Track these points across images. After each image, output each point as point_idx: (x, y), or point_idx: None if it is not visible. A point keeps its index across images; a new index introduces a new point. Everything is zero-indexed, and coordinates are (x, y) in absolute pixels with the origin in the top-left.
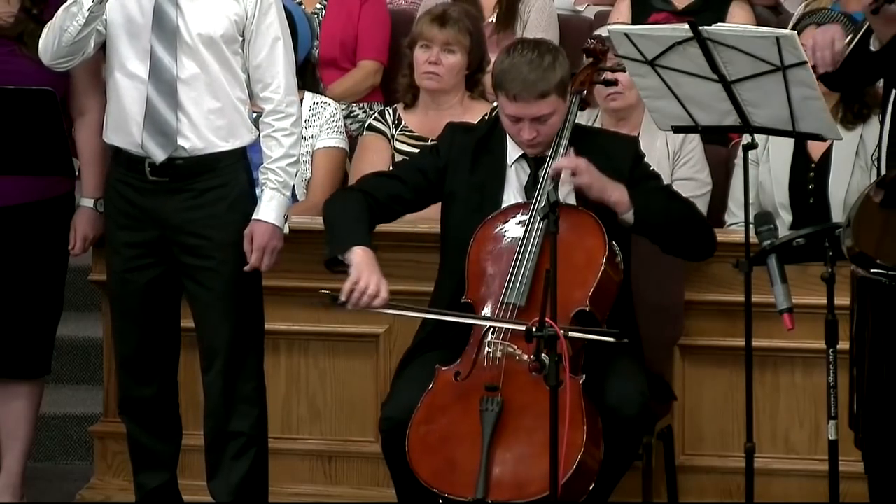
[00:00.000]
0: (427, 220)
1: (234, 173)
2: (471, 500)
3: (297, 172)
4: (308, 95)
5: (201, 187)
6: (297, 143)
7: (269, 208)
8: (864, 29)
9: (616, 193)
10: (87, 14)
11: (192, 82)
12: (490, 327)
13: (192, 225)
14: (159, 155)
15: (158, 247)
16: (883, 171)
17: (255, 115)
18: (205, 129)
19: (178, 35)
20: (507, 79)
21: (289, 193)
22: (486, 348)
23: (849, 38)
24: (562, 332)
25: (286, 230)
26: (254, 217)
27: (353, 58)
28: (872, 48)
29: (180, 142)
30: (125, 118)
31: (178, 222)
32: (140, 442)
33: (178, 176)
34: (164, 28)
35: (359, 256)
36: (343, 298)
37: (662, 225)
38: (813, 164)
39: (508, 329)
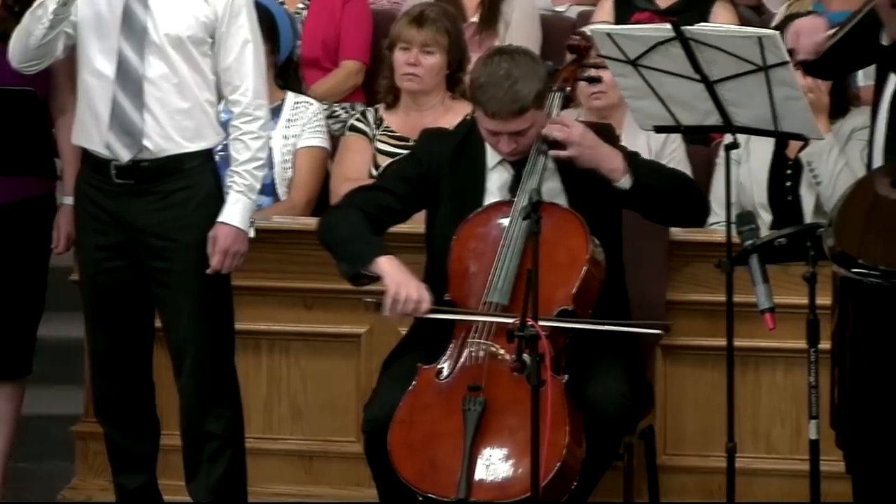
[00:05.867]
0: (411, 221)
1: (200, 175)
2: (453, 501)
3: (264, 175)
4: (290, 95)
5: (167, 189)
6: (265, 146)
7: (233, 211)
8: (856, 20)
9: (609, 162)
10: (51, 17)
11: (160, 82)
12: (472, 326)
13: (159, 227)
14: (124, 155)
15: (127, 250)
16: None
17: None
18: (171, 130)
19: (147, 35)
20: (484, 96)
21: (255, 197)
22: (469, 348)
23: (833, 30)
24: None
25: (251, 233)
26: (218, 220)
27: (335, 58)
28: (884, 42)
29: (145, 142)
30: (92, 118)
31: (144, 225)
32: (118, 443)
33: (143, 178)
34: (132, 28)
35: (387, 265)
36: (387, 312)
37: (657, 188)
38: (791, 162)
39: (491, 328)
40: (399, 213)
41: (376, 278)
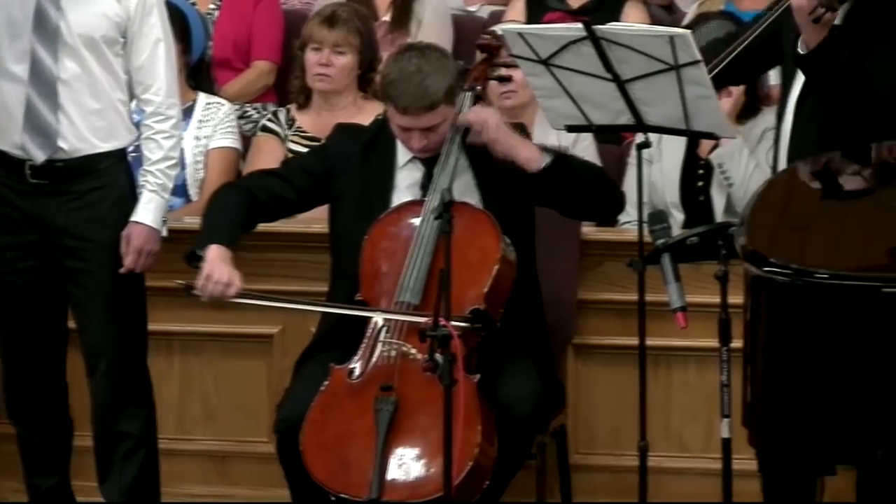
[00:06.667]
0: (320, 220)
1: (114, 175)
2: (365, 500)
3: (177, 175)
4: (202, 96)
5: (82, 189)
6: (177, 145)
7: (146, 210)
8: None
9: (525, 151)
10: None
11: (73, 83)
12: (385, 326)
13: (74, 227)
14: (39, 156)
15: (39, 249)
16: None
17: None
18: (85, 130)
19: (59, 35)
20: (395, 91)
21: (167, 196)
22: (381, 347)
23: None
24: None
25: (164, 232)
26: (131, 219)
27: (247, 58)
28: (801, 51)
29: (60, 143)
30: (6, 119)
31: (59, 225)
32: (30, 444)
33: (58, 178)
34: (44, 28)
35: (213, 253)
36: (198, 291)
37: (575, 176)
38: (702, 163)
39: (403, 327)
40: (292, 204)
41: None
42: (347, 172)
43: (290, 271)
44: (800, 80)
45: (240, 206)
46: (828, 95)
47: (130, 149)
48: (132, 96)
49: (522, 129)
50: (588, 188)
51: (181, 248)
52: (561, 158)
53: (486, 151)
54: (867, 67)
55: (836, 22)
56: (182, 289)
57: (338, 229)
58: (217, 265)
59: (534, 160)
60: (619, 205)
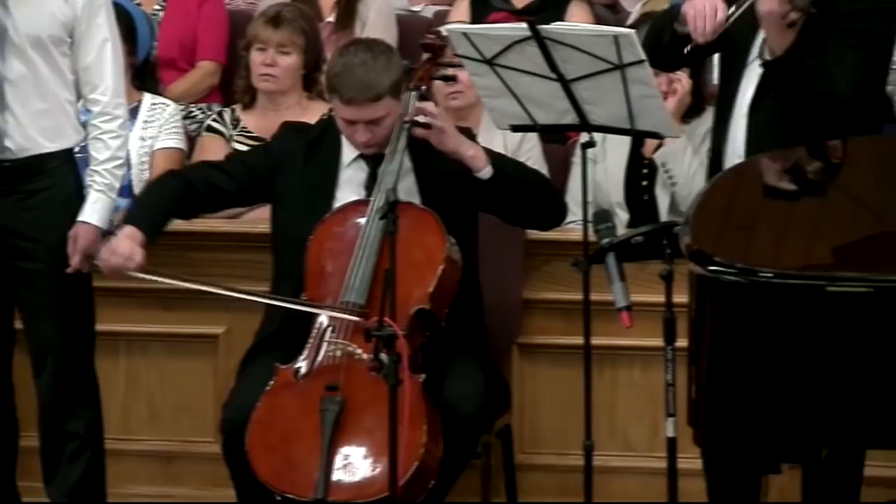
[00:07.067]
0: (266, 220)
1: (62, 175)
2: (311, 500)
3: (124, 175)
4: (147, 96)
5: (30, 189)
6: (124, 145)
7: (93, 210)
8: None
9: (472, 149)
10: None
11: (20, 83)
12: (330, 326)
13: (23, 228)
14: None
15: None
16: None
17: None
18: (32, 130)
19: (6, 35)
20: (340, 83)
21: (115, 195)
22: (326, 347)
23: (731, 10)
24: None
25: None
26: (78, 219)
27: (192, 58)
28: (767, 57)
29: (7, 143)
30: None
31: (6, 225)
32: None
33: (5, 179)
34: None
35: (124, 231)
36: (99, 262)
37: (518, 180)
38: (646, 162)
39: (349, 327)
40: (231, 197)
41: None
42: (291, 171)
43: (234, 271)
44: (751, 81)
45: (174, 194)
46: (791, 99)
47: (76, 149)
48: (79, 96)
49: (468, 134)
50: (530, 196)
51: None
52: (504, 165)
53: (429, 154)
54: (828, 70)
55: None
56: (86, 263)
57: (281, 228)
58: (122, 241)
59: (480, 159)
60: (561, 214)
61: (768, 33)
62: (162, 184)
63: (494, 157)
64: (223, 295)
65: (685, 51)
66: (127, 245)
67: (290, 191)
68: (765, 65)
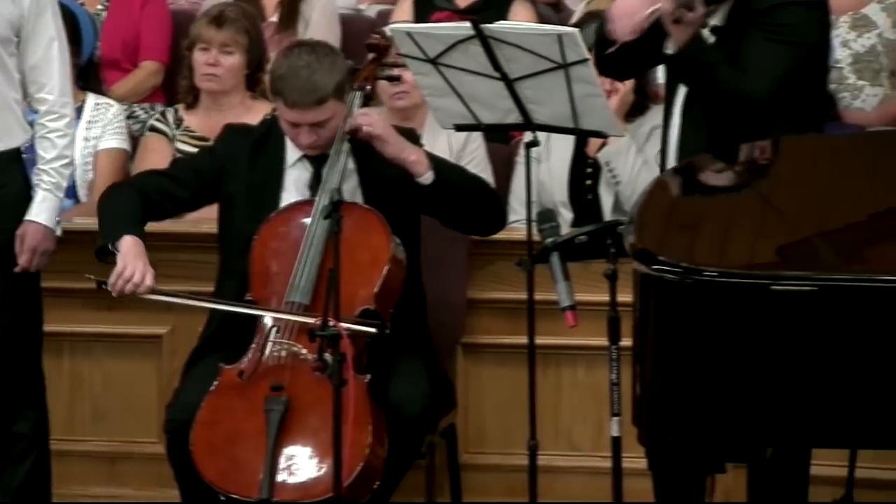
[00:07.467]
0: (209, 220)
1: (10, 174)
2: (255, 501)
3: (70, 174)
4: (91, 96)
5: None
6: (71, 144)
7: (40, 209)
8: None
9: (413, 154)
10: None
11: None
12: (275, 326)
13: None
14: None
15: None
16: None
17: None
18: None
19: None
20: (284, 86)
21: (62, 195)
22: (271, 347)
23: (650, 9)
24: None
25: (58, 232)
26: (25, 218)
27: (135, 58)
28: (669, 51)
29: None
30: None
31: None
32: None
33: None
34: None
35: (127, 245)
36: (110, 287)
37: (459, 186)
38: (590, 161)
39: (293, 327)
40: (182, 202)
41: (116, 258)
42: (237, 172)
43: (176, 271)
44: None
45: (134, 201)
46: (702, 95)
47: (23, 149)
48: (26, 95)
49: (412, 136)
50: (471, 202)
51: (73, 248)
52: (445, 171)
53: (373, 156)
54: (744, 67)
55: (718, 23)
56: (94, 283)
57: (227, 229)
58: (131, 261)
59: (421, 164)
60: (501, 221)
61: (668, 30)
62: (119, 196)
63: (436, 163)
64: (237, 313)
65: (608, 52)
66: (140, 268)
67: (236, 192)
68: (663, 59)
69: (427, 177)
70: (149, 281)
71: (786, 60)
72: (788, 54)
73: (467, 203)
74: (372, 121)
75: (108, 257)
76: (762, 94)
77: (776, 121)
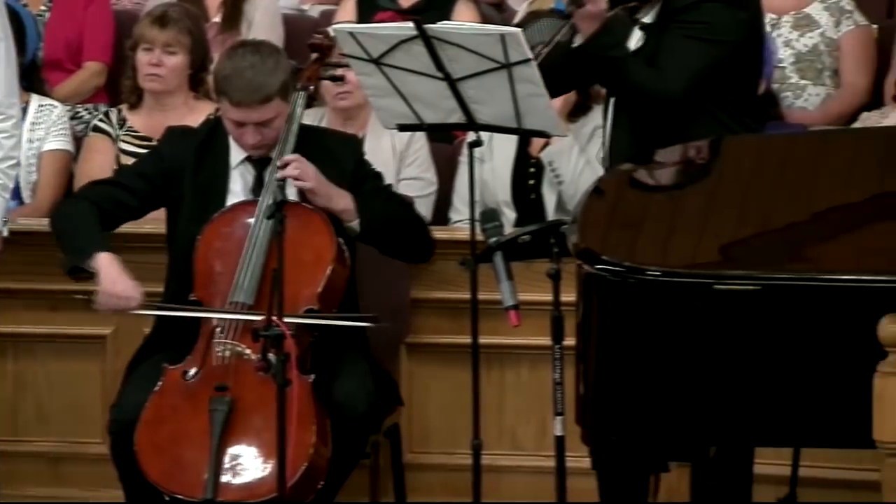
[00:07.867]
0: (152, 220)
1: None
2: (199, 501)
3: (17, 175)
4: (35, 98)
5: None
6: (18, 145)
7: None
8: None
9: (342, 202)
10: None
11: None
12: (219, 326)
13: None
14: None
15: None
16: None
17: None
18: None
19: None
20: (229, 86)
21: (8, 196)
22: (216, 347)
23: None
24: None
25: (5, 232)
26: None
27: (78, 59)
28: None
29: None
30: None
31: None
32: None
33: None
34: None
35: (105, 262)
36: (98, 307)
37: (386, 231)
38: (533, 161)
39: (238, 327)
40: (134, 210)
41: (93, 274)
42: (183, 175)
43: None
44: None
45: (92, 215)
46: (615, 93)
47: None
48: None
49: (356, 146)
50: (399, 241)
51: (17, 248)
52: (373, 220)
53: (313, 162)
54: (660, 64)
55: (648, 20)
56: (85, 298)
57: (175, 231)
58: (115, 279)
59: (349, 213)
60: (429, 252)
61: (576, 23)
62: (74, 211)
63: (363, 211)
64: (231, 319)
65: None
66: (128, 285)
67: (184, 193)
68: (569, 52)
69: (354, 224)
70: (137, 295)
71: (702, 59)
72: (704, 52)
73: (395, 242)
74: (301, 173)
75: (80, 273)
76: (677, 92)
77: (700, 119)
